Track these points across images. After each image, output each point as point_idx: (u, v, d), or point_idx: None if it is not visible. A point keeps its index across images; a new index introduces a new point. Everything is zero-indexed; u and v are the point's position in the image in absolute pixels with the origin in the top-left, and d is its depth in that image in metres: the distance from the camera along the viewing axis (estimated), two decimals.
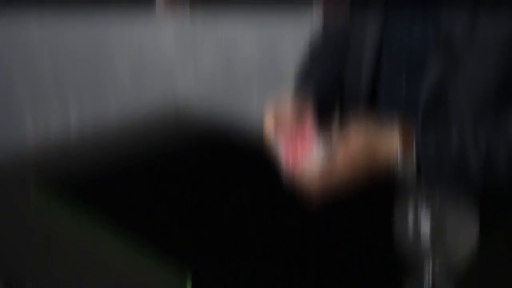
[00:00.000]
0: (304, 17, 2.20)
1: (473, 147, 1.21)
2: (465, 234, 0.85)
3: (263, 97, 2.43)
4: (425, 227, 0.84)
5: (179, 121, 1.79)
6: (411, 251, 0.86)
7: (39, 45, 2.89)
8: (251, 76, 2.43)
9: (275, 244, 1.12)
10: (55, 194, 1.32)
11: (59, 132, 3.01)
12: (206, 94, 2.57)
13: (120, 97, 2.80)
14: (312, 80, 1.57)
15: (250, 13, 2.34)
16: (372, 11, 1.42)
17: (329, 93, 1.53)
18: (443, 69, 1.29)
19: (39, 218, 1.27)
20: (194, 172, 1.41)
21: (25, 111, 3.07)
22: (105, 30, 2.71)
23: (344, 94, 1.59)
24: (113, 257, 1.12)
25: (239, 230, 1.17)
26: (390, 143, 1.19)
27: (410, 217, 0.85)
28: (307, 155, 1.15)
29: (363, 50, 1.43)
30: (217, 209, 1.25)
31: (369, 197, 1.24)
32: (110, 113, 2.84)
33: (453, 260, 0.86)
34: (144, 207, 1.26)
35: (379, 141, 1.19)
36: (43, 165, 1.49)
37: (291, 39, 2.29)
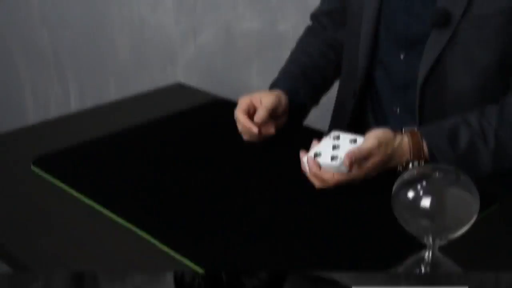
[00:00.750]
0: None
1: (482, 142, 1.21)
2: (465, 211, 0.85)
3: (263, 74, 2.42)
4: (425, 202, 0.84)
5: (179, 96, 1.79)
6: (411, 227, 0.86)
7: (39, 21, 2.88)
8: (251, 52, 2.42)
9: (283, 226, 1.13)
10: (54, 171, 1.32)
11: (58, 108, 3.01)
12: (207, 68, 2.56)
13: (119, 72, 2.79)
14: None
15: None
16: None
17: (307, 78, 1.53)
18: (441, 45, 1.28)
19: (38, 194, 1.27)
20: (194, 147, 1.41)
21: (25, 88, 3.07)
22: (105, 4, 2.70)
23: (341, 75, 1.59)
24: (112, 236, 1.13)
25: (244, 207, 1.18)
26: (402, 156, 1.21)
27: (411, 193, 0.85)
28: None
29: (361, 24, 1.42)
30: (220, 190, 1.25)
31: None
32: (110, 88, 2.83)
33: (452, 236, 0.86)
34: (144, 184, 1.26)
35: (393, 156, 1.20)
36: (42, 142, 1.49)
37: (292, 15, 2.28)
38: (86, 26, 2.78)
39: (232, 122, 1.47)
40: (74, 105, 2.98)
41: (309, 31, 1.64)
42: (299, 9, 2.21)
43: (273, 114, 1.38)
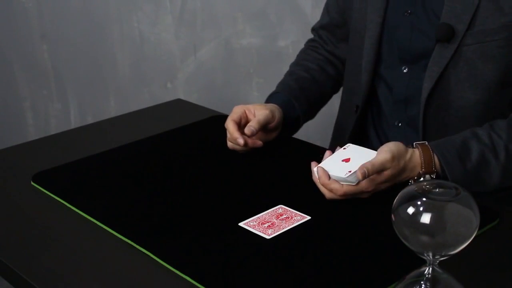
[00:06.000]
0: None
1: (493, 156, 1.21)
2: (465, 227, 0.85)
3: (262, 90, 2.43)
4: (425, 219, 0.84)
5: (179, 112, 1.79)
6: (411, 243, 0.86)
7: (39, 37, 2.89)
8: (251, 67, 2.43)
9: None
10: (53, 187, 1.32)
11: (58, 124, 3.01)
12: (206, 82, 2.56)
13: (120, 88, 2.80)
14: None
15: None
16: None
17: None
18: (445, 60, 1.28)
19: (38, 210, 1.27)
20: (196, 163, 1.41)
21: (24, 103, 3.07)
22: (105, 20, 2.71)
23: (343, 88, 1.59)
24: (112, 252, 1.12)
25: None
26: (413, 169, 1.21)
27: (410, 209, 0.85)
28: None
29: (363, 39, 1.42)
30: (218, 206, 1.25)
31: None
32: (110, 104, 2.84)
33: (452, 252, 0.86)
34: (144, 200, 1.26)
35: (404, 169, 1.20)
36: (42, 157, 1.49)
37: (292, 30, 2.28)
38: (86, 42, 2.79)
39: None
40: (74, 121, 2.98)
41: (309, 45, 1.65)
42: (298, 25, 2.22)
43: (264, 128, 1.39)
